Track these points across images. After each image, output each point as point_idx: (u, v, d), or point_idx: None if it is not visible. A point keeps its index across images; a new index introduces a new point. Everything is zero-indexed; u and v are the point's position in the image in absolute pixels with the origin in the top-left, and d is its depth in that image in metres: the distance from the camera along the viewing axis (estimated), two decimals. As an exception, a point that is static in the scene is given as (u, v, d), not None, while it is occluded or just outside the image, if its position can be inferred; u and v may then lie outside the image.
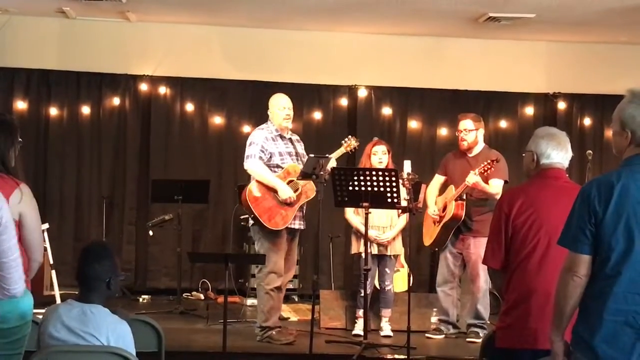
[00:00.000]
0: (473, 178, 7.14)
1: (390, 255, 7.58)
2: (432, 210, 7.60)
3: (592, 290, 3.32)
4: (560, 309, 3.39)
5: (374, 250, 7.47)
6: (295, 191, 7.05)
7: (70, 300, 3.95)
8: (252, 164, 7.08)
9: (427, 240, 7.75)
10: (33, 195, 4.20)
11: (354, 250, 7.67)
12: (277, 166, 7.13)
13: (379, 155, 7.48)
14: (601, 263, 3.29)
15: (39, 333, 3.93)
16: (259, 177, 7.06)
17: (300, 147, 7.37)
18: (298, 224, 7.22)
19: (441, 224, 7.49)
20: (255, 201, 7.00)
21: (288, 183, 7.07)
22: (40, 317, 4.03)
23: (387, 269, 7.58)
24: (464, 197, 7.37)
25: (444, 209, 7.49)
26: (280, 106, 7.21)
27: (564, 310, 3.37)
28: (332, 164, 7.08)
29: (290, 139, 7.30)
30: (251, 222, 7.22)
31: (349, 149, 7.37)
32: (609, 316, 3.24)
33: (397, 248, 7.66)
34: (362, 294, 7.19)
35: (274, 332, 7.08)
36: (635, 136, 3.34)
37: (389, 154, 7.54)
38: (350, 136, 7.50)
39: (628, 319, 3.22)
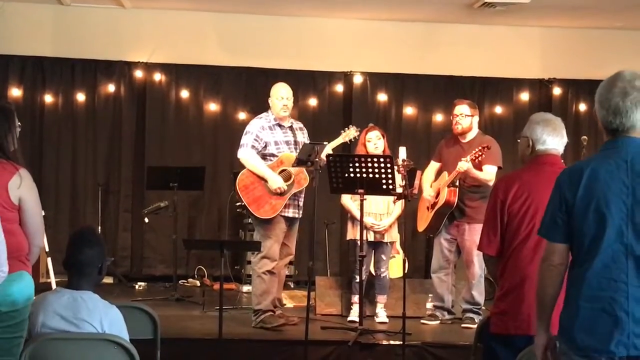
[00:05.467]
0: (464, 165, 7.13)
1: (386, 242, 7.57)
2: (428, 192, 7.59)
3: (570, 277, 3.27)
4: (540, 300, 3.36)
5: (370, 237, 7.45)
6: (287, 180, 7.07)
7: (59, 288, 3.93)
8: (244, 153, 7.16)
9: (421, 226, 7.75)
10: (33, 180, 4.19)
11: (349, 236, 7.67)
12: (272, 155, 7.16)
13: (373, 141, 7.44)
14: (576, 249, 3.24)
15: (30, 323, 3.88)
16: (250, 166, 7.14)
17: (301, 136, 7.35)
18: (292, 213, 7.21)
19: (434, 210, 7.48)
20: (245, 190, 7.11)
21: (280, 172, 7.10)
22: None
23: (383, 256, 7.59)
24: (457, 184, 7.35)
25: (437, 195, 7.50)
26: (278, 96, 7.22)
27: (544, 300, 3.33)
28: (328, 151, 7.08)
29: (291, 127, 7.31)
30: None
31: (347, 138, 7.32)
32: (585, 303, 3.16)
33: (393, 235, 7.67)
34: (357, 280, 7.21)
35: (265, 316, 7.12)
36: (605, 122, 3.25)
37: (383, 138, 7.49)
38: (350, 125, 7.42)
39: (604, 306, 3.13)
